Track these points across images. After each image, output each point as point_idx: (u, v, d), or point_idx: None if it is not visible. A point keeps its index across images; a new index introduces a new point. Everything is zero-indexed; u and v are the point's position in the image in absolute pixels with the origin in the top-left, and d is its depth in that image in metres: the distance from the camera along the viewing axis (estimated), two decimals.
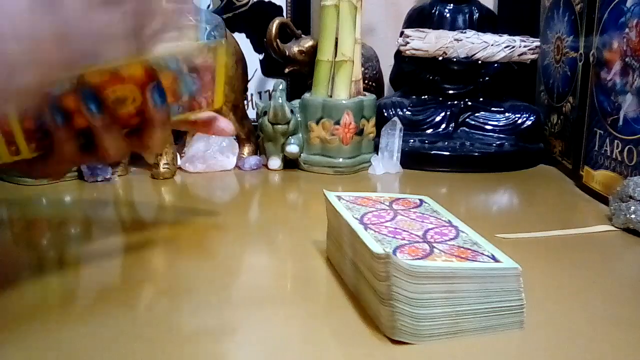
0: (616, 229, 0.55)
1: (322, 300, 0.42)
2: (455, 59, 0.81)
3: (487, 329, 0.36)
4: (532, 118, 0.82)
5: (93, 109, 0.37)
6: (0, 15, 0.29)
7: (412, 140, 0.80)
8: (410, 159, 0.78)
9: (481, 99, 0.84)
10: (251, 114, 0.86)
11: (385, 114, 0.82)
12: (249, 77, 0.87)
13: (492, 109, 0.83)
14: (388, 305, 0.34)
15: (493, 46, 0.80)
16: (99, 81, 0.37)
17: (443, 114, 0.83)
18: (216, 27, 0.75)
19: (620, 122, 0.62)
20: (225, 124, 0.46)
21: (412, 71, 0.86)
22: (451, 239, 0.40)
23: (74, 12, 0.31)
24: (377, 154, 0.78)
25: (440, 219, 0.44)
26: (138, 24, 0.34)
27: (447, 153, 0.78)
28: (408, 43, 0.81)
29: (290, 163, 0.78)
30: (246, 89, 0.85)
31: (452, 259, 0.36)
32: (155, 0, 0.35)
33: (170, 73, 0.40)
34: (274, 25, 0.80)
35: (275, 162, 0.78)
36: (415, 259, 0.35)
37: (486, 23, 0.86)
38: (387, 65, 0.93)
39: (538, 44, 0.82)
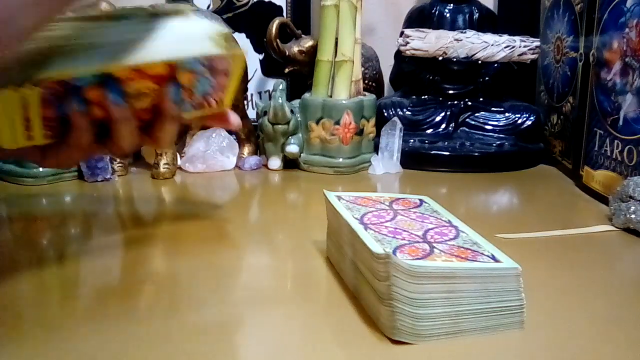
0: (616, 229, 0.55)
1: (322, 300, 0.42)
2: (455, 59, 0.81)
3: (487, 329, 0.36)
4: (532, 118, 0.82)
5: (116, 100, 0.39)
6: None
7: (412, 140, 0.80)
8: (410, 159, 0.78)
9: (481, 99, 0.84)
10: (251, 114, 0.86)
11: (385, 114, 0.82)
12: (249, 77, 0.87)
13: (492, 109, 0.83)
14: (388, 305, 0.34)
15: (493, 46, 0.80)
16: (122, 75, 0.38)
17: (443, 114, 0.83)
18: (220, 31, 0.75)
19: (620, 122, 0.62)
20: (234, 117, 0.49)
21: (412, 71, 0.86)
22: (451, 239, 0.40)
23: None
24: (377, 154, 0.78)
25: (440, 219, 0.44)
26: None
27: (447, 153, 0.78)
28: (408, 43, 0.81)
29: (290, 163, 0.78)
30: (246, 89, 0.85)
31: (452, 259, 0.36)
32: None
33: (190, 72, 0.41)
34: (274, 25, 0.79)
35: (275, 162, 0.78)
36: (415, 259, 0.35)
37: (486, 23, 0.86)
38: (387, 65, 0.93)
39: (538, 44, 0.82)
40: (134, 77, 0.39)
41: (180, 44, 0.40)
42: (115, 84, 0.38)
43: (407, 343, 0.35)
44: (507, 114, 0.83)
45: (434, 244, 0.38)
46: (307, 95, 0.78)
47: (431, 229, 0.42)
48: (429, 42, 0.80)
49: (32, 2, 0.31)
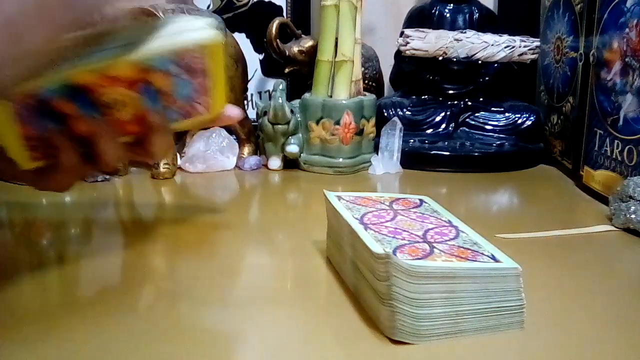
0: (616, 229, 0.55)
1: (322, 300, 0.42)
2: (455, 59, 0.81)
3: (487, 329, 0.36)
4: (532, 118, 0.82)
5: (86, 111, 0.37)
6: None
7: (412, 140, 0.80)
8: (410, 159, 0.78)
9: (481, 99, 0.84)
10: (251, 114, 0.86)
11: (385, 114, 0.82)
12: (249, 77, 0.87)
13: (492, 109, 0.83)
14: (388, 305, 0.34)
15: (493, 46, 0.80)
16: (89, 82, 0.36)
17: (443, 114, 0.83)
18: (216, 27, 0.75)
19: (620, 122, 0.62)
20: (234, 111, 0.44)
21: (412, 71, 0.86)
22: (451, 239, 0.40)
23: None
24: (377, 154, 0.78)
25: (440, 219, 0.44)
26: None
27: (447, 153, 0.78)
28: (408, 43, 0.81)
29: (290, 163, 0.78)
30: (246, 89, 0.85)
31: (452, 259, 0.36)
32: None
33: (162, 73, 0.38)
34: (274, 25, 0.80)
35: (275, 162, 0.78)
36: (415, 259, 0.35)
37: (486, 23, 0.86)
38: (387, 65, 0.93)
39: (538, 44, 0.82)
40: (103, 83, 0.37)
41: (148, 44, 0.37)
42: (82, 94, 0.36)
43: (407, 343, 0.35)
44: (507, 114, 0.83)
45: (434, 244, 0.38)
46: (307, 95, 0.78)
47: (431, 229, 0.42)
48: (429, 42, 0.80)
49: (37, 23, 0.30)
